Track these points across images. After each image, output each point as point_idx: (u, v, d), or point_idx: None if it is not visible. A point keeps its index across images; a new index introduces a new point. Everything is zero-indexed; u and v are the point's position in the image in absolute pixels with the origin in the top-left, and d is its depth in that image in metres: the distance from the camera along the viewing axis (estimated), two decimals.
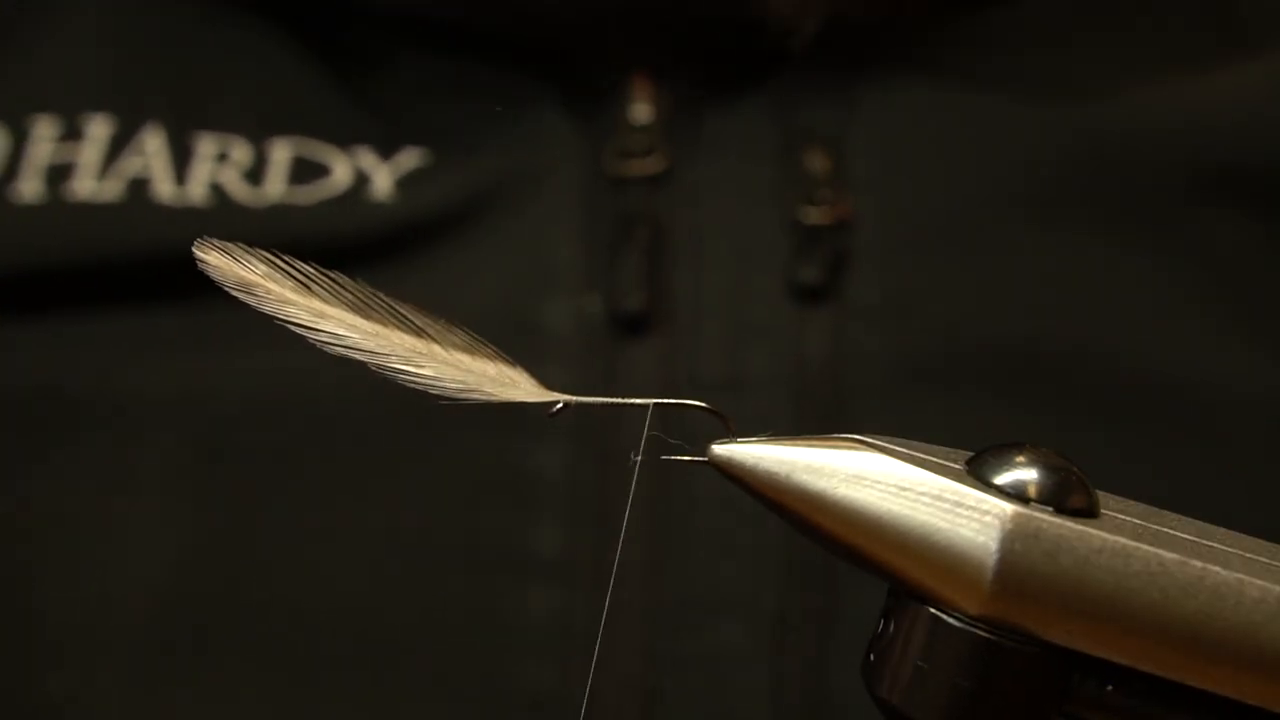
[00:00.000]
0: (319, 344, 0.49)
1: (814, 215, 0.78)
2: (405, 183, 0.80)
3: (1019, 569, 0.44)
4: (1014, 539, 0.44)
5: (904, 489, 0.45)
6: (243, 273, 0.49)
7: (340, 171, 0.79)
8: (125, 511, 0.75)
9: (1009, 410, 0.76)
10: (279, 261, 0.49)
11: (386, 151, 0.80)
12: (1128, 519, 0.46)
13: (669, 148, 0.79)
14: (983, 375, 0.77)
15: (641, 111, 0.80)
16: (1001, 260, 0.79)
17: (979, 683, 0.45)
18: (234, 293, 0.49)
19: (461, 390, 0.50)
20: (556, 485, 0.75)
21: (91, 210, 0.78)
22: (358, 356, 0.49)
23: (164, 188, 0.79)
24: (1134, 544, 0.44)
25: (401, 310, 0.50)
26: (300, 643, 0.73)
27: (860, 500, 0.46)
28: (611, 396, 0.51)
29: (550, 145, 0.80)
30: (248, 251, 0.50)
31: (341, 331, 0.49)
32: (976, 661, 0.45)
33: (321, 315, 0.49)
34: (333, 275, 0.50)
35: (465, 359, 0.50)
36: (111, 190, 0.78)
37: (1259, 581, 0.44)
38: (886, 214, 0.79)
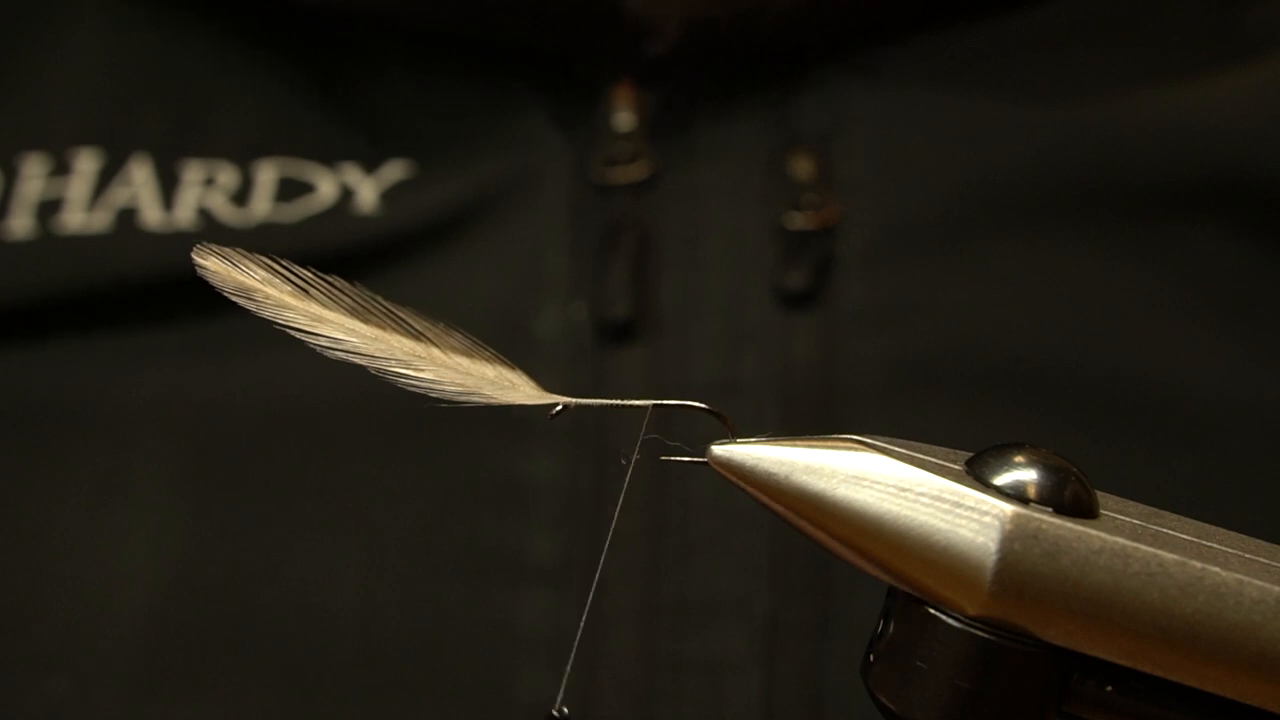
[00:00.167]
0: (318, 348, 0.49)
1: (801, 220, 0.79)
2: (390, 195, 0.80)
3: (1019, 569, 0.44)
4: (1014, 539, 0.44)
5: (903, 489, 0.45)
6: (241, 278, 0.49)
7: (325, 187, 0.80)
8: (120, 521, 0.75)
9: (997, 415, 0.76)
10: (277, 267, 0.49)
11: (371, 165, 0.80)
12: (1127, 519, 0.46)
13: (655, 154, 0.79)
14: (970, 380, 0.77)
15: (624, 119, 0.80)
16: (990, 266, 0.78)
17: (978, 683, 0.45)
18: (233, 298, 0.49)
19: (461, 393, 0.50)
20: (552, 491, 0.74)
21: (81, 242, 0.79)
22: (357, 360, 0.49)
23: (152, 215, 0.79)
24: (1133, 544, 0.45)
25: (400, 314, 0.50)
26: (296, 650, 0.73)
27: (860, 501, 0.46)
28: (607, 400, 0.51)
29: (535, 154, 0.80)
30: (246, 257, 0.50)
31: (340, 336, 0.49)
32: (976, 662, 0.45)
33: (320, 320, 0.49)
34: (330, 280, 0.50)
35: (464, 362, 0.50)
36: (100, 221, 0.79)
37: (1258, 582, 0.44)
38: (874, 219, 0.79)
